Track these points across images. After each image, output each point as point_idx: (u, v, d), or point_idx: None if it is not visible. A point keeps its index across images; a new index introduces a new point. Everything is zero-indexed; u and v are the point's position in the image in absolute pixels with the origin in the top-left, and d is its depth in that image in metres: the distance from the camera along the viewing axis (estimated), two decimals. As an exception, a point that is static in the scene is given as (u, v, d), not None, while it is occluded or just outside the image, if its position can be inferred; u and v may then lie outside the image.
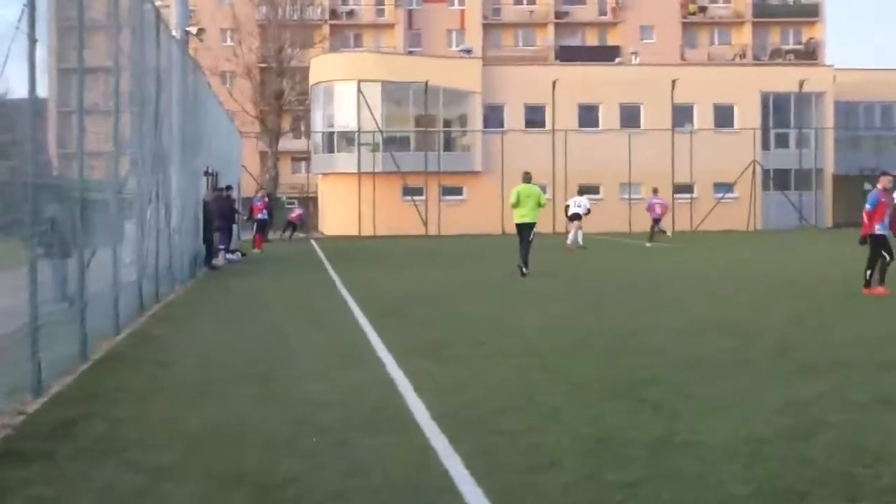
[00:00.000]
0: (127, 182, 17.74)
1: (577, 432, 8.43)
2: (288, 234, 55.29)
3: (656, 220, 44.46)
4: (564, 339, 14.13)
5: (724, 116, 63.74)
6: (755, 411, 9.20)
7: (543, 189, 29.38)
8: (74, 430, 8.84)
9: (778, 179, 63.36)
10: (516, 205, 26.71)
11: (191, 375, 11.66)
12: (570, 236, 41.22)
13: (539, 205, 26.78)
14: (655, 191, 46.48)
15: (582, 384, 10.65)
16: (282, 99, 75.82)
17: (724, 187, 62.26)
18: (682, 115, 63.00)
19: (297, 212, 58.09)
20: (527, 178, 27.17)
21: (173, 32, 26.86)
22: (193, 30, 30.57)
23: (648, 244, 42.67)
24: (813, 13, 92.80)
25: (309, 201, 68.60)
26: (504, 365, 11.92)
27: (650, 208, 45.19)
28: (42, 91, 12.85)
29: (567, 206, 43.16)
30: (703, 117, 63.39)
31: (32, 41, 10.28)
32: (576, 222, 41.57)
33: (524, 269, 26.12)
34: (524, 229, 26.60)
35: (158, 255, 20.57)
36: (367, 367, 11.95)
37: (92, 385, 11.08)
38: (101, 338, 14.08)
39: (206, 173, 32.21)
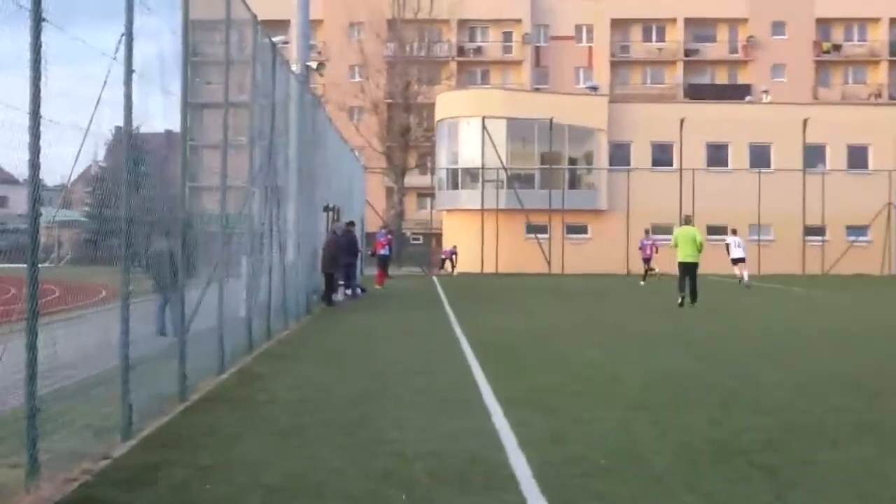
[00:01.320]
0: (240, 216, 17.62)
1: (681, 500, 7.81)
2: (447, 269, 55.66)
3: (646, 261, 47.63)
4: (675, 391, 13.45)
5: (857, 157, 62.10)
6: (881, 486, 8.47)
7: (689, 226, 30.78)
8: (155, 476, 8.51)
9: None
10: (676, 245, 30.15)
11: (284, 418, 11.26)
12: (745, 278, 41.80)
13: (697, 244, 29.72)
14: (647, 232, 49.29)
15: (689, 443, 10.00)
16: (408, 135, 76.08)
17: (856, 230, 60.51)
18: (813, 155, 61.53)
19: (449, 248, 57.89)
20: (686, 220, 31.43)
21: (293, 67, 26.82)
22: (314, 64, 30.49)
23: (642, 283, 45.83)
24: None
25: (433, 237, 68.51)
26: (612, 418, 11.31)
27: (641, 248, 48.35)
28: (174, 125, 12.81)
29: (728, 246, 43.79)
30: (835, 158, 61.84)
31: (129, 72, 10.02)
32: (740, 264, 42.52)
33: (686, 301, 29.53)
34: (687, 267, 29.86)
35: (272, 291, 20.37)
36: (469, 416, 11.43)
37: (183, 427, 10.77)
38: (204, 376, 13.85)
39: (327, 208, 32.10)
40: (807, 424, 11.09)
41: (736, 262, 42.71)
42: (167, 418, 11.17)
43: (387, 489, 8.05)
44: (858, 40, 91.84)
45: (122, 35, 9.95)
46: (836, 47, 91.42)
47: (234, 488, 8.12)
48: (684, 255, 29.92)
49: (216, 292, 14.86)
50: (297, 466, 8.86)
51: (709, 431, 10.60)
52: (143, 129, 12.38)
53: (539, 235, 59.29)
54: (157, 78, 11.85)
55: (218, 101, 15.86)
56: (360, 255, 37.24)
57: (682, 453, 9.53)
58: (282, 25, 42.54)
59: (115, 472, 8.70)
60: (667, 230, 59.61)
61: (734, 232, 44.46)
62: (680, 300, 29.78)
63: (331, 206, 32.64)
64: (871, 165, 61.66)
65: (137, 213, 10.52)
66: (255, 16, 17.62)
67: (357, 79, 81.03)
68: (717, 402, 12.59)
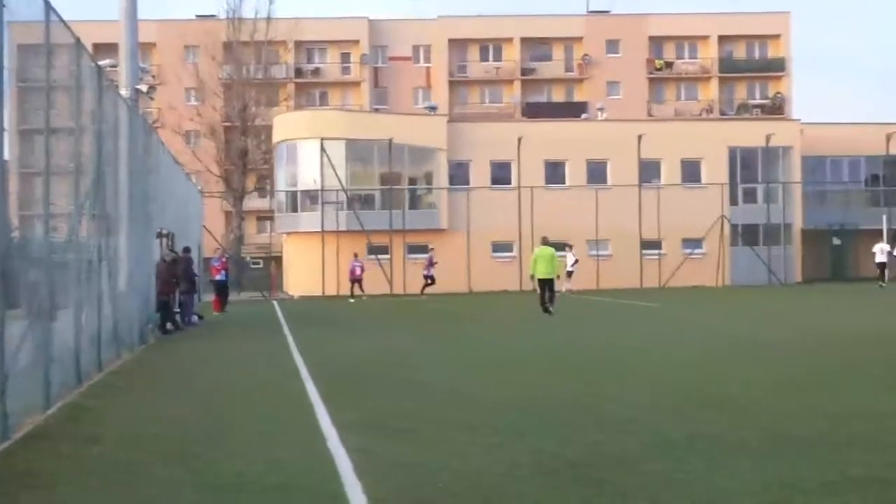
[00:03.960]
0: (69, 244, 17.02)
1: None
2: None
3: (356, 282, 51.94)
4: (523, 410, 13.28)
5: (691, 172, 63.19)
6: (732, 497, 8.41)
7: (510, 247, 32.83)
8: (-33, 526, 7.99)
9: (746, 234, 62.83)
10: (535, 264, 33.64)
11: (115, 455, 10.75)
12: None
13: (553, 262, 33.68)
14: (356, 255, 53.49)
15: (538, 463, 9.81)
16: (246, 158, 75.08)
17: (692, 243, 61.64)
18: (649, 170, 62.47)
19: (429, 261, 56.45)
20: (544, 241, 34.70)
21: (122, 91, 26.15)
22: (144, 88, 29.77)
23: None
24: (779, 68, 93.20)
25: (273, 261, 67.76)
26: (456, 441, 11.07)
27: (351, 270, 52.53)
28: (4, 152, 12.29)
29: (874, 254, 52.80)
30: (670, 173, 62.86)
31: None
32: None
33: (548, 310, 33.03)
34: (544, 282, 33.55)
35: (102, 320, 19.72)
36: (307, 445, 11.08)
37: (3, 469, 10.18)
38: (29, 412, 13.23)
39: (160, 235, 31.37)
40: (657, 437, 11.02)
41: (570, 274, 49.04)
42: (-14, 460, 10.60)
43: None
44: (690, 58, 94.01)
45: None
46: (669, 64, 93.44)
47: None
48: (542, 272, 33.41)
49: (42, 323, 14.27)
50: (129, 506, 8.45)
51: (559, 450, 10.43)
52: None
53: (380, 256, 58.99)
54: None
55: (55, 128, 15.36)
56: (197, 281, 36.48)
57: (531, 474, 9.32)
58: (113, 49, 41.61)
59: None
60: (507, 247, 60.34)
61: (570, 247, 49.65)
62: (544, 310, 33.11)
63: (164, 232, 31.91)
64: (704, 179, 62.80)
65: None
66: (78, 39, 17.03)
67: (193, 102, 79.87)
68: (567, 418, 12.47)
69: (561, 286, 45.88)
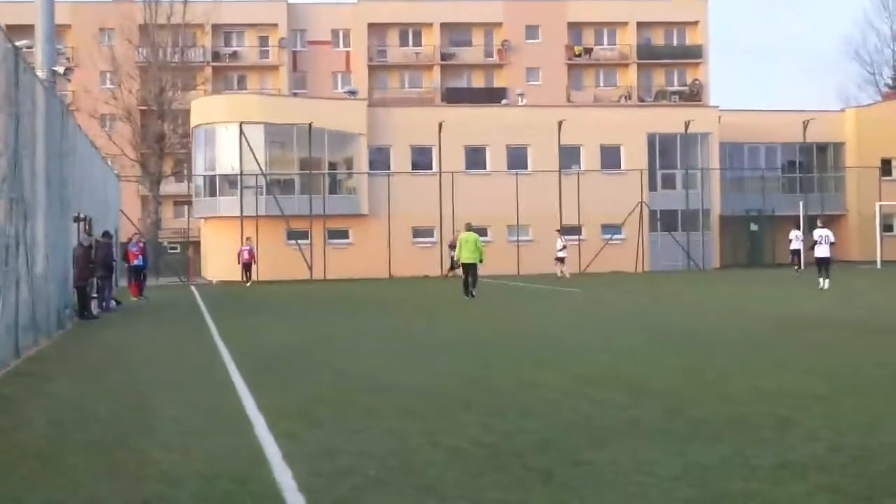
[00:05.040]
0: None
1: (456, 510, 7.53)
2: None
3: (245, 266, 53.69)
4: (446, 396, 13.21)
5: (610, 158, 63.57)
6: (652, 481, 8.38)
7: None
8: None
9: (665, 220, 63.38)
10: (459, 249, 35.37)
11: (34, 444, 10.49)
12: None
13: (477, 247, 34.73)
14: (248, 239, 55.51)
15: (462, 449, 9.75)
16: (163, 142, 74.23)
17: (611, 228, 62.00)
18: (569, 156, 62.76)
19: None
20: (468, 227, 36.06)
21: (38, 73, 25.64)
22: (61, 69, 29.24)
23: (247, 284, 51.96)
24: (696, 55, 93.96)
25: (190, 245, 67.13)
26: (381, 427, 10.97)
27: (239, 254, 53.88)
28: None
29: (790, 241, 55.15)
30: (590, 159, 63.20)
31: None
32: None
33: (471, 293, 34.20)
34: (468, 266, 34.86)
35: (19, 305, 19.35)
36: (234, 432, 10.89)
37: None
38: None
39: (78, 219, 30.87)
40: (577, 423, 11.00)
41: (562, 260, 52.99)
42: None
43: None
44: (608, 44, 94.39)
45: None
46: (588, 51, 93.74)
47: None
48: (465, 256, 34.90)
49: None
50: (51, 497, 8.21)
51: (482, 436, 10.37)
52: None
53: (300, 241, 58.69)
54: None
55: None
56: (114, 266, 36.00)
57: (456, 460, 9.26)
58: (27, 31, 40.87)
59: None
60: (427, 233, 60.29)
61: (558, 231, 54.95)
62: (466, 293, 34.36)
63: (81, 216, 31.41)
64: (623, 165, 63.21)
65: None
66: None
67: (109, 85, 78.67)
68: (490, 405, 12.42)
69: (557, 271, 52.11)
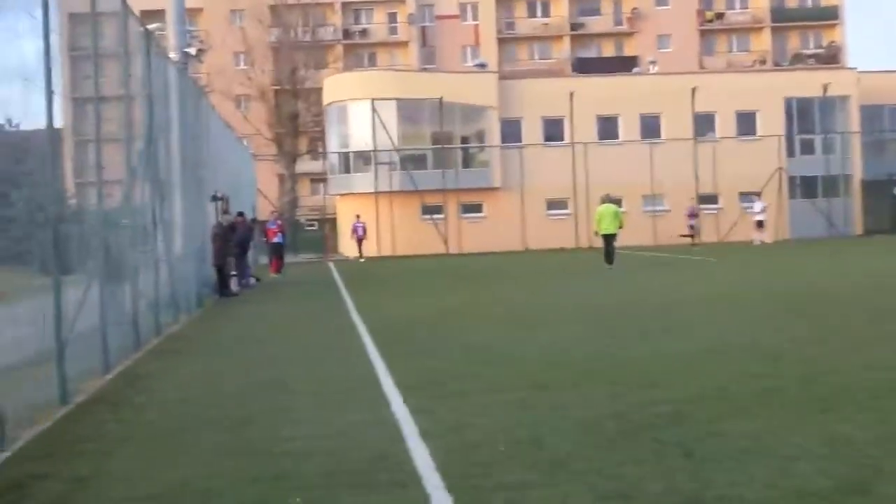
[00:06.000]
0: (124, 210, 16.99)
1: (592, 486, 7.36)
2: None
3: (359, 241, 54.19)
4: (575, 368, 13.03)
5: (746, 124, 62.40)
6: (796, 454, 8.09)
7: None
8: (23, 493, 7.84)
9: (804, 187, 62.00)
10: (599, 220, 35.23)
11: (169, 421, 10.62)
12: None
13: (617, 218, 35.09)
14: (358, 217, 59.77)
15: (593, 422, 9.57)
16: (297, 120, 75.17)
17: (749, 196, 60.80)
18: (703, 123, 61.81)
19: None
20: (607, 199, 36.23)
21: (171, 54, 25.99)
22: (192, 51, 29.61)
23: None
24: (833, 16, 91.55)
25: (327, 223, 67.73)
26: (510, 400, 10.82)
27: (354, 230, 54.60)
28: (58, 121, 12.25)
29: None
30: (725, 125, 62.13)
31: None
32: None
33: (610, 264, 34.50)
34: (608, 238, 35.06)
35: (159, 285, 19.69)
36: (368, 406, 10.87)
37: (62, 435, 10.10)
38: (88, 377, 13.16)
39: (214, 198, 31.30)
40: (710, 393, 10.75)
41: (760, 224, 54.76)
42: (45, 426, 10.48)
43: (280, 493, 7.49)
44: (741, 8, 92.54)
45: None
46: (720, 16, 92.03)
47: (109, 503, 7.50)
48: (605, 228, 34.98)
49: (100, 288, 14.21)
50: (182, 474, 8.25)
51: (613, 408, 10.18)
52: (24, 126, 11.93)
53: (434, 216, 58.87)
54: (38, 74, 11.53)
55: (106, 95, 15.31)
56: (252, 244, 36.47)
57: (587, 433, 9.09)
58: (159, 15, 41.54)
59: (-17, 491, 8.04)
60: (561, 205, 59.93)
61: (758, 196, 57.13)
62: (608, 262, 34.74)
63: (219, 195, 31.84)
64: (759, 132, 62.02)
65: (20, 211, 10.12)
66: (125, 3, 16.87)
67: (242, 66, 79.79)
68: (619, 375, 12.22)
69: (754, 237, 53.85)
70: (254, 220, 35.05)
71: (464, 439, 9.05)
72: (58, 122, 12.32)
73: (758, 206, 53.97)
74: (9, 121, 12.49)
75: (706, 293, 24.45)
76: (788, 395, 10.53)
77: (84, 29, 15.42)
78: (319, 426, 9.89)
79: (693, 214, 55.68)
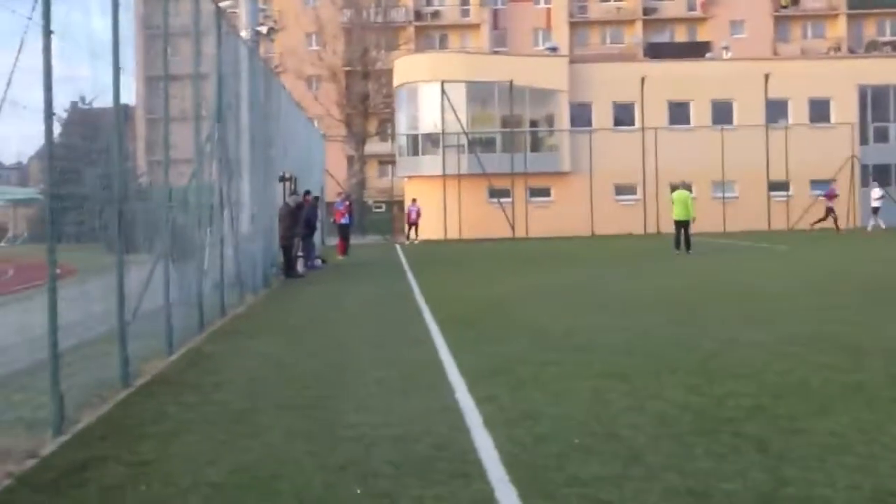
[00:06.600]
0: (192, 189, 16.91)
1: (666, 482, 7.10)
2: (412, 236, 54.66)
3: (411, 225, 53.87)
4: (651, 357, 12.74)
5: (819, 111, 61.52)
6: (880, 452, 7.79)
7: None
8: (85, 477, 7.71)
9: (878, 175, 60.96)
10: (674, 206, 35.82)
11: (233, 404, 10.46)
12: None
13: (688, 205, 35.31)
14: (414, 200, 55.75)
15: (669, 414, 9.30)
16: (367, 102, 75.13)
17: (821, 184, 59.88)
18: (775, 110, 60.97)
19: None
20: (680, 186, 37.01)
21: (242, 33, 25.90)
22: (263, 29, 29.50)
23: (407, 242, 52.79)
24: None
25: (395, 205, 67.67)
26: (583, 390, 10.58)
27: (408, 213, 54.90)
28: (130, 98, 12.22)
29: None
30: (797, 112, 61.27)
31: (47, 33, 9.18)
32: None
33: (680, 250, 35.08)
34: (680, 224, 35.56)
35: (225, 265, 19.60)
36: (434, 393, 10.67)
37: (123, 417, 9.97)
38: (151, 358, 13.07)
39: (283, 179, 31.23)
40: (791, 387, 10.43)
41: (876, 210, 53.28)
42: (107, 407, 10.37)
43: (345, 482, 7.31)
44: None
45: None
46: (795, 2, 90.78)
47: (173, 488, 7.34)
48: (678, 214, 35.60)
49: (166, 267, 14.13)
50: (246, 459, 8.10)
51: (689, 400, 9.90)
52: (96, 104, 11.90)
53: (502, 200, 58.57)
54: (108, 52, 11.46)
55: (177, 73, 15.26)
56: (319, 225, 36.38)
57: (663, 426, 8.83)
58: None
59: (41, 473, 7.88)
60: (630, 190, 59.41)
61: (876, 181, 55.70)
62: (677, 246, 35.36)
63: (287, 175, 31.76)
64: (833, 119, 61.15)
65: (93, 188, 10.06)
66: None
67: (314, 47, 79.84)
68: (696, 366, 11.92)
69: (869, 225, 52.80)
70: (316, 199, 34.87)
71: (532, 430, 8.81)
72: (130, 100, 12.25)
73: (876, 192, 53.45)
74: (82, 98, 12.46)
75: (783, 281, 24.01)
76: (873, 392, 10.18)
77: (158, 7, 15.33)
78: (384, 413, 9.70)
79: (832, 195, 54.10)
